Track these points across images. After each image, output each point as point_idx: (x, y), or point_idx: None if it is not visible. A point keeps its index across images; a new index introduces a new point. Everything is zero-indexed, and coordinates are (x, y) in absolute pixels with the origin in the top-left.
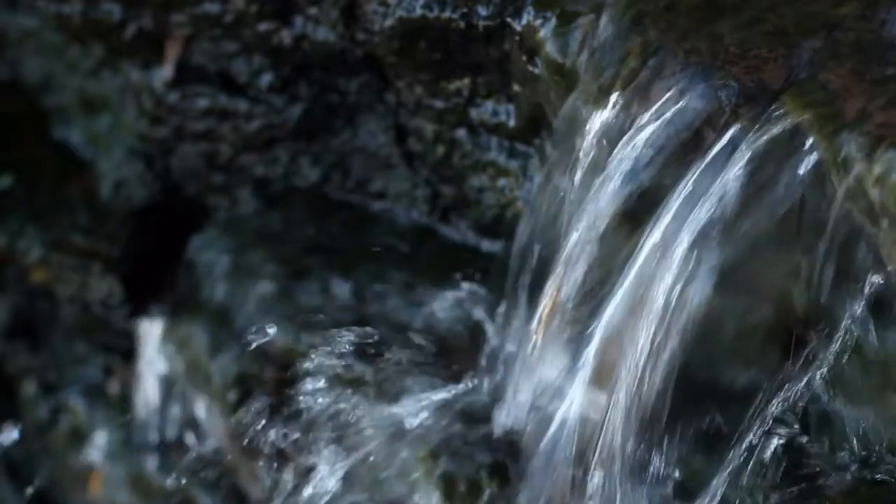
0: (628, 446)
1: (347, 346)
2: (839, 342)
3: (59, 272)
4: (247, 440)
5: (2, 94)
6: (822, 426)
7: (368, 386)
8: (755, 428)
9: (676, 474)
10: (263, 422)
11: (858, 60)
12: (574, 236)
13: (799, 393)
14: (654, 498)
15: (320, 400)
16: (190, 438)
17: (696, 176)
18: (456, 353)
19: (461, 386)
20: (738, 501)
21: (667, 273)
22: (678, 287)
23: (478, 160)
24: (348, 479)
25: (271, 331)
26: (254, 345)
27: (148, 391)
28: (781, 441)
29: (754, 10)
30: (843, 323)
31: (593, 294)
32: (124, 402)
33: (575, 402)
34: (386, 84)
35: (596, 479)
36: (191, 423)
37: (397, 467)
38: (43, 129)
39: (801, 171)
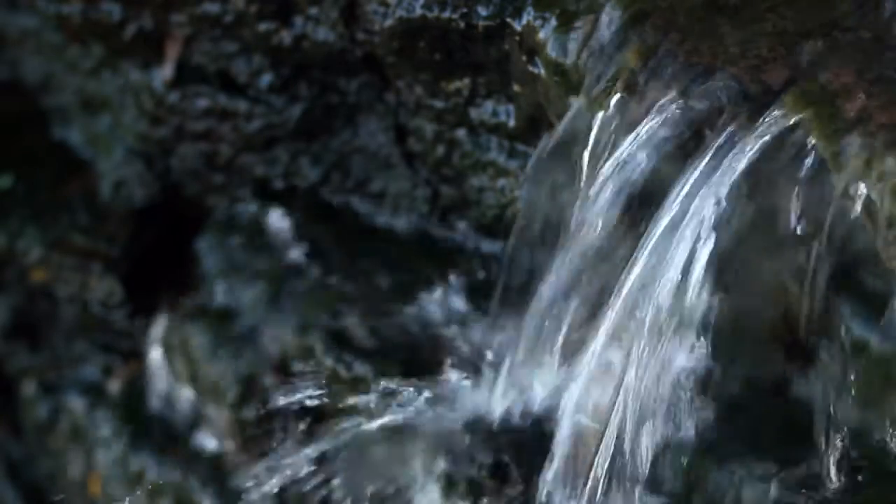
0: (631, 444)
1: (347, 347)
2: (838, 342)
3: (59, 272)
4: (247, 439)
5: (2, 94)
6: (823, 426)
7: (368, 386)
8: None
9: (679, 474)
10: (263, 421)
11: (858, 60)
12: (574, 236)
13: (800, 392)
14: (656, 497)
15: (320, 400)
16: (190, 438)
17: (696, 176)
18: (456, 354)
19: (461, 386)
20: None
21: (667, 273)
22: (678, 286)
23: (478, 160)
24: (348, 479)
25: (271, 331)
26: (254, 345)
27: (148, 391)
28: (785, 443)
29: (754, 10)
30: (843, 323)
31: (594, 293)
32: (124, 402)
33: (576, 401)
34: (386, 84)
35: (598, 478)
36: (191, 422)
37: (398, 468)
38: (43, 129)
39: (801, 170)
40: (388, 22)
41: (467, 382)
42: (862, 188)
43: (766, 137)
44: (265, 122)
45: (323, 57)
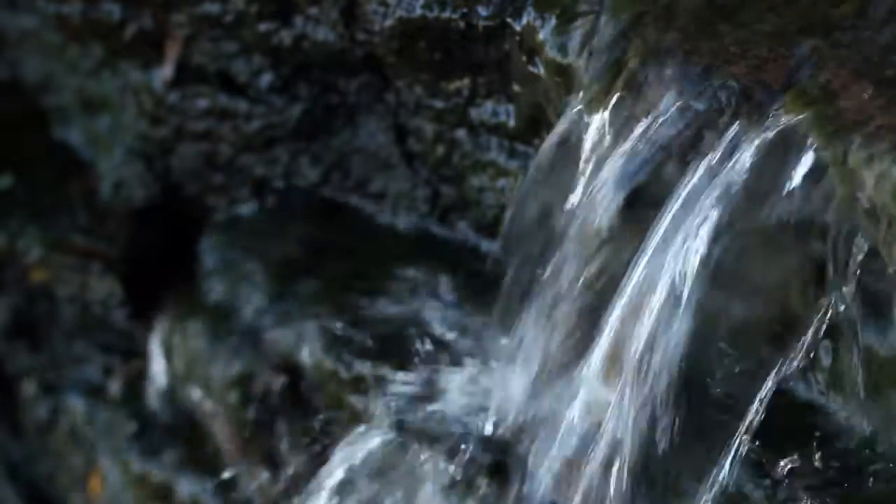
0: (631, 444)
1: (347, 347)
2: (838, 342)
3: (59, 272)
4: (247, 440)
5: (2, 94)
6: (821, 426)
7: (368, 386)
8: (755, 428)
9: (675, 473)
10: (263, 422)
11: (858, 60)
12: (573, 237)
13: (798, 393)
14: (653, 496)
15: (320, 400)
16: (190, 438)
17: (696, 177)
18: (455, 354)
19: (461, 386)
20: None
21: (666, 273)
22: (678, 287)
23: (478, 160)
24: (348, 480)
25: (271, 331)
26: (254, 345)
27: (148, 391)
28: (782, 442)
29: (754, 10)
30: (842, 323)
31: (592, 295)
32: (124, 402)
33: (579, 401)
34: (386, 84)
35: (596, 477)
36: (191, 423)
37: (397, 468)
38: (43, 129)
39: (801, 171)
40: (388, 22)
41: (467, 383)
42: (862, 188)
43: (766, 137)
44: (265, 122)
45: (323, 57)
